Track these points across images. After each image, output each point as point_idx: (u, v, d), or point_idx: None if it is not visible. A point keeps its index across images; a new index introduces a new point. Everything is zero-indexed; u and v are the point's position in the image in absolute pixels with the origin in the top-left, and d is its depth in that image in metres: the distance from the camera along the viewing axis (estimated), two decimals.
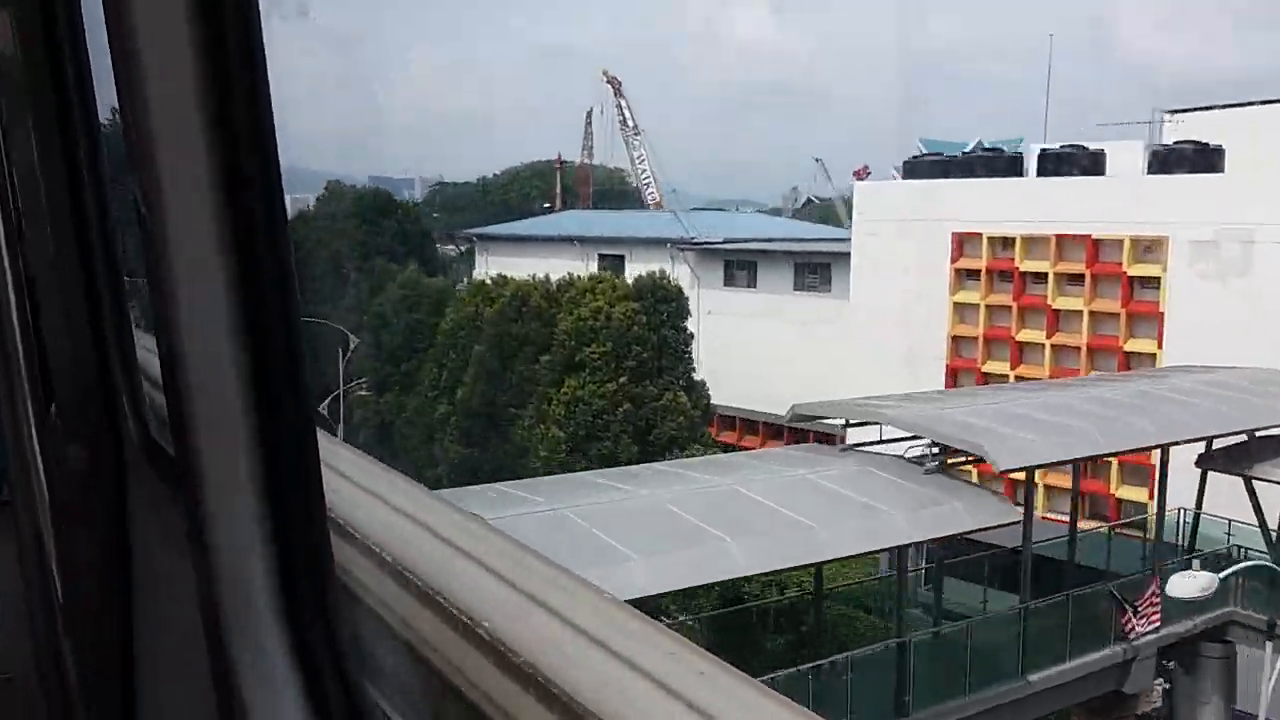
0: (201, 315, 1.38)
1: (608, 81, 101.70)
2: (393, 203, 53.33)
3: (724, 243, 48.32)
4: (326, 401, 44.17)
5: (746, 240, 49.17)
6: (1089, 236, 33.99)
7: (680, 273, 48.02)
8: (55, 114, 2.20)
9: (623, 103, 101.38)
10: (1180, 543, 25.49)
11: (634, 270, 49.86)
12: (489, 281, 41.77)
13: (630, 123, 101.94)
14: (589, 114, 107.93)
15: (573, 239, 52.94)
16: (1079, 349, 34.70)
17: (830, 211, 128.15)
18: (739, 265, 46.59)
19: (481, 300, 40.72)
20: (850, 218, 44.95)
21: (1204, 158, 34.07)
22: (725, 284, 46.82)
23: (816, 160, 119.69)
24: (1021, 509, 20.89)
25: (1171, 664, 22.97)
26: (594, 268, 52.44)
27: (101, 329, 2.24)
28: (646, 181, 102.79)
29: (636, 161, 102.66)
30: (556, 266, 52.75)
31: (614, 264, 51.74)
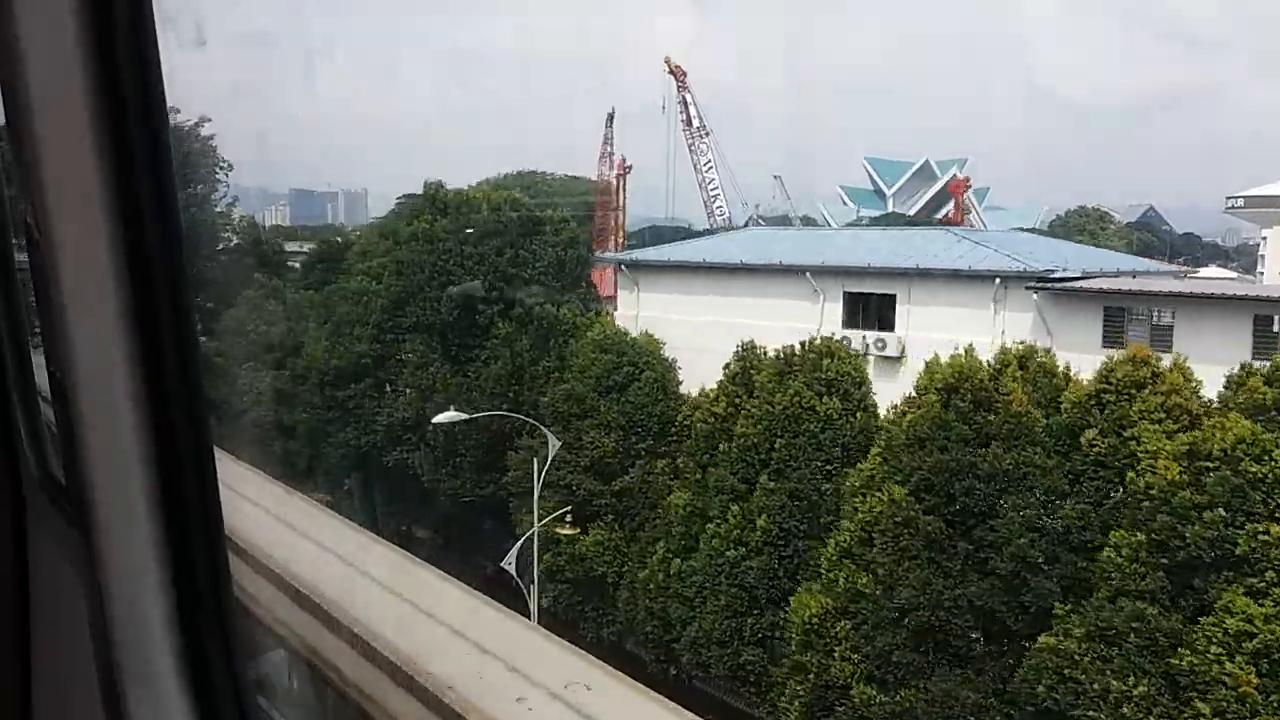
0: (92, 340, 1.36)
1: (670, 72, 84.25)
2: (539, 219, 35.12)
3: (1080, 276, 31.40)
4: (517, 546, 25.80)
5: (1097, 274, 32.35)
6: None
7: (1009, 323, 31.13)
8: None
9: (688, 97, 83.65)
10: None
11: (916, 319, 33.02)
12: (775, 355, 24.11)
13: (696, 121, 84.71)
14: (610, 116, 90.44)
15: (801, 269, 35.37)
16: None
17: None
18: (1131, 316, 29.73)
19: (778, 383, 23.20)
20: None
21: None
22: (1106, 343, 29.90)
23: (776, 177, 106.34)
24: None
25: None
26: (835, 312, 35.17)
27: (1, 365, 2.13)
28: (714, 192, 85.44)
29: (702, 168, 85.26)
30: (770, 309, 35.63)
31: (874, 307, 34.49)
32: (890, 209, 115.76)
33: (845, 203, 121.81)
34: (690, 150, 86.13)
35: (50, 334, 1.40)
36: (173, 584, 1.44)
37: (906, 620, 18.75)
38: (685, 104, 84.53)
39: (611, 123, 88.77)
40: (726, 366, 25.90)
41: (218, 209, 55.59)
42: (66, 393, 1.40)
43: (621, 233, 76.61)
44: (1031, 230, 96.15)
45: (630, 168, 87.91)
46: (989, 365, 20.02)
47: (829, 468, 22.25)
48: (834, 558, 20.22)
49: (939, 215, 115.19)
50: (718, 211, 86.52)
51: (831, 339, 24.83)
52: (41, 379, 1.98)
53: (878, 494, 19.56)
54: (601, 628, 27.25)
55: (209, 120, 54.54)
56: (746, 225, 78.28)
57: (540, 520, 26.03)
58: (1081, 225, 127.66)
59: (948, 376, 19.76)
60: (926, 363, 20.76)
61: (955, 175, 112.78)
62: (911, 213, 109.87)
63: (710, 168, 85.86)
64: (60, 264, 1.34)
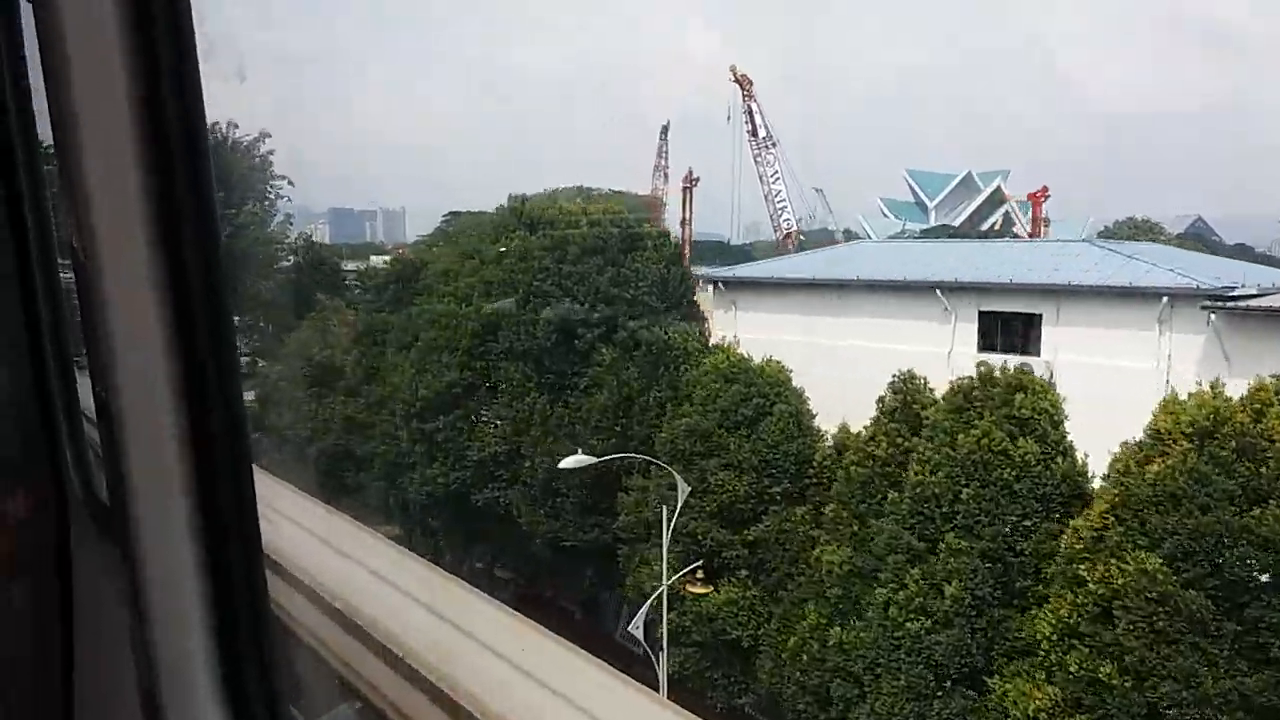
0: (137, 362, 1.39)
1: (735, 80, 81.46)
2: (639, 234, 32.09)
3: (1257, 294, 27.78)
4: (645, 608, 22.69)
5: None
6: None
7: (1175, 346, 27.74)
8: None
9: (754, 106, 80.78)
10: None
11: (1064, 342, 29.71)
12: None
13: (763, 132, 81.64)
14: (664, 129, 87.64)
15: (929, 286, 32.03)
16: None
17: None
18: None
19: (957, 421, 19.82)
20: None
21: None
22: None
23: (817, 190, 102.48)
24: None
25: None
26: (970, 333, 31.89)
27: (45, 375, 2.18)
28: (781, 204, 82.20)
29: (770, 180, 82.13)
30: (892, 331, 32.66)
31: (1014, 328, 31.11)
32: (933, 222, 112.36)
33: (886, 215, 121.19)
34: (756, 161, 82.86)
35: (96, 355, 1.44)
36: (213, 606, 1.46)
37: (1163, 718, 15.29)
38: (751, 114, 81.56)
39: (666, 135, 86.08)
40: (880, 400, 22.58)
41: (269, 227, 53.54)
42: (111, 414, 1.42)
43: (688, 248, 73.50)
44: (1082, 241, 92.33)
45: (698, 180, 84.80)
46: (1244, 404, 16.53)
47: (1026, 524, 18.86)
48: (1054, 636, 16.81)
49: (983, 227, 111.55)
50: (784, 224, 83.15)
51: (1010, 368, 21.33)
52: (86, 400, 2.00)
53: (1116, 561, 16.13)
54: (734, 696, 23.93)
55: (269, 135, 52.49)
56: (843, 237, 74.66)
57: (661, 572, 22.83)
58: (1132, 236, 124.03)
59: (1198, 418, 16.33)
60: (1164, 401, 17.30)
61: (1000, 187, 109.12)
62: (955, 224, 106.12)
63: (777, 179, 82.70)
64: (105, 285, 1.37)
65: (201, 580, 1.46)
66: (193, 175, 1.36)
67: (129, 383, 1.41)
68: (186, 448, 1.42)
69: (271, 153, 53.03)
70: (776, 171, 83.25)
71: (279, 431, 44.20)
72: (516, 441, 29.11)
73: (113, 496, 1.53)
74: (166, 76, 1.31)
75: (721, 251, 77.07)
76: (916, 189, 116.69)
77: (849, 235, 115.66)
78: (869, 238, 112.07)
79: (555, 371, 29.48)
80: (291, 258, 52.72)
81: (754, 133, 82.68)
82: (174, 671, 1.50)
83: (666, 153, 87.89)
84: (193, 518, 1.44)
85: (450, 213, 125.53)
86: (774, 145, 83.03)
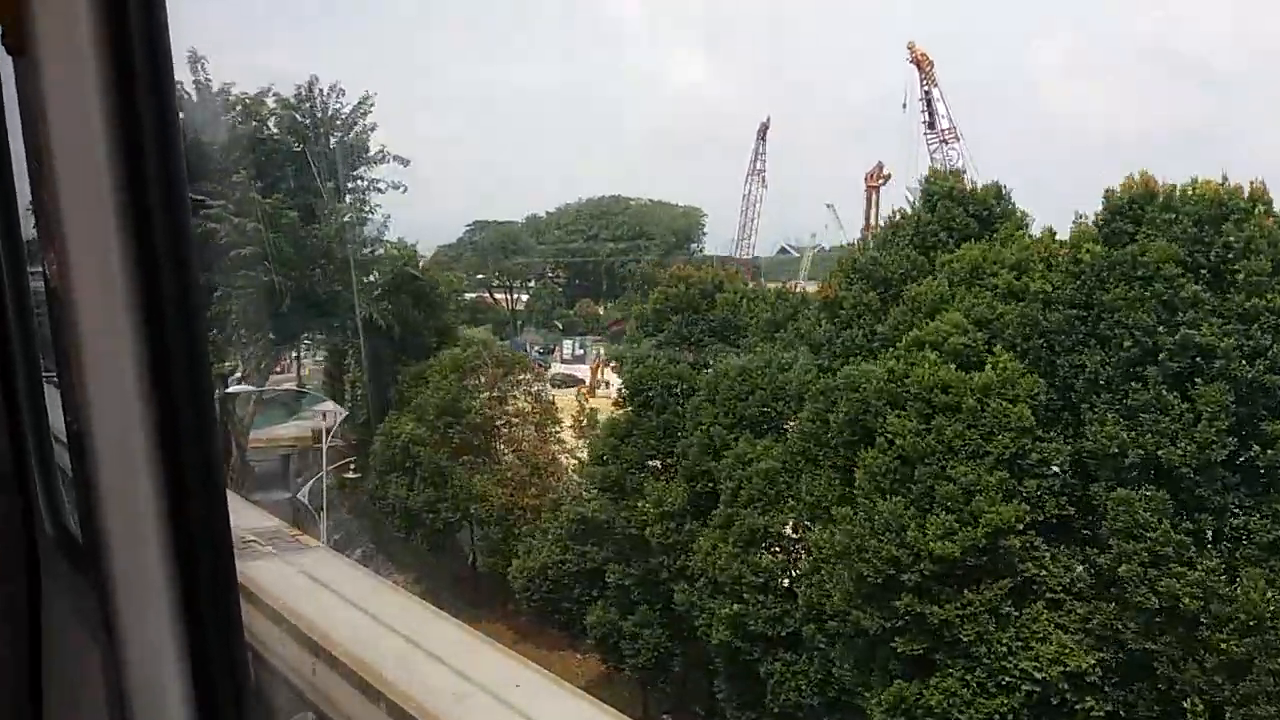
0: (111, 395, 1.38)
1: (913, 60, 71.48)
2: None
3: None
4: None
5: None
6: None
7: None
8: None
9: (934, 92, 71.12)
10: None
11: None
12: None
13: (944, 123, 71.10)
14: (763, 127, 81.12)
15: None
16: None
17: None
18: None
19: None
20: None
21: None
22: None
23: (828, 206, 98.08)
24: None
25: None
26: None
27: (17, 414, 2.16)
28: None
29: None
30: None
31: None
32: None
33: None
34: (932, 157, 70.28)
35: (69, 389, 1.42)
36: (186, 638, 1.46)
37: None
38: (929, 101, 70.65)
39: (765, 135, 78.60)
40: None
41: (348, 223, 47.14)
42: (82, 445, 1.42)
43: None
44: None
45: (888, 177, 74.47)
46: None
47: None
48: None
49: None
50: None
51: None
52: (55, 417, 2.06)
53: None
54: None
55: (372, 100, 46.58)
56: None
57: None
58: None
59: None
60: None
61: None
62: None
63: (966, 177, 71.64)
64: (79, 319, 1.37)
65: (174, 612, 1.44)
66: (167, 190, 1.34)
67: (103, 416, 1.39)
68: (159, 478, 1.41)
69: (374, 128, 47.01)
70: (962, 169, 71.74)
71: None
72: None
73: (85, 532, 1.57)
74: (141, 85, 1.31)
75: None
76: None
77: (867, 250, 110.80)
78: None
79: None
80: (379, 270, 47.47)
81: (931, 124, 71.21)
82: (146, 703, 1.48)
83: (764, 154, 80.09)
84: (165, 549, 1.42)
85: (475, 221, 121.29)
86: (959, 139, 70.51)
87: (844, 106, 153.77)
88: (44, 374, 2.18)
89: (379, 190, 47.62)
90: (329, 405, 58.71)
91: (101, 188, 1.31)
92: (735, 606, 24.79)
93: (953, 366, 21.44)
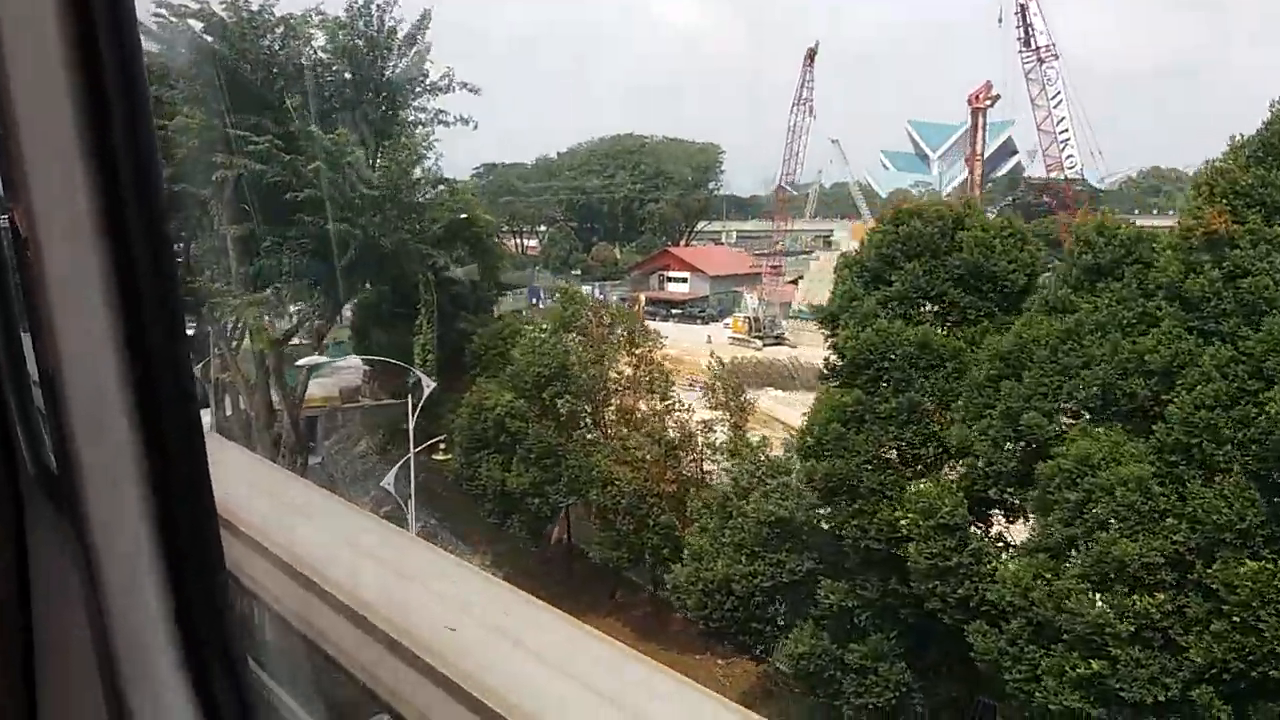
0: (80, 329, 1.39)
1: None
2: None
3: None
4: None
5: None
6: None
7: None
8: None
9: (1030, 7, 62.75)
10: None
11: None
12: None
13: (1043, 39, 63.43)
14: (810, 54, 73.45)
15: None
16: None
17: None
18: None
19: None
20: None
21: None
22: None
23: (833, 141, 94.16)
24: None
25: None
26: None
27: None
28: (1064, 137, 64.20)
29: (1050, 103, 63.85)
30: None
31: None
32: (934, 173, 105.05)
33: (887, 168, 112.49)
34: (1028, 79, 63.60)
35: (37, 324, 1.42)
36: (167, 570, 1.46)
37: None
38: (1024, 14, 62.83)
39: (812, 61, 71.88)
40: None
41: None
42: (55, 383, 1.41)
43: (979, 191, 59.17)
44: (1101, 192, 79.98)
45: (996, 98, 67.29)
46: None
47: None
48: None
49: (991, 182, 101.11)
50: (1067, 163, 64.87)
51: None
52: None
53: None
54: None
55: (427, 22, 38.56)
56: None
57: None
58: (1157, 187, 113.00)
59: None
60: None
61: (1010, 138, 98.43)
62: (960, 179, 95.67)
63: (1059, 102, 63.39)
64: (45, 252, 1.35)
65: (154, 544, 1.43)
66: (132, 123, 1.32)
67: (73, 350, 1.38)
68: (134, 412, 1.39)
69: (428, 49, 38.94)
70: (1058, 93, 63.07)
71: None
72: None
73: (61, 466, 1.53)
74: (109, 66, 1.29)
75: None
76: (918, 139, 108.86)
77: (867, 191, 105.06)
78: (877, 194, 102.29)
79: None
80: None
81: (1028, 41, 63.43)
82: (130, 634, 1.49)
83: (811, 82, 72.90)
84: (143, 483, 1.41)
85: (482, 164, 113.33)
86: (1056, 59, 62.74)
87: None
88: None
89: (444, 123, 39.77)
90: (353, 360, 52.82)
91: (65, 127, 1.27)
92: (1094, 664, 17.97)
93: None
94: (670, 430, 33.93)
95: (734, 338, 69.24)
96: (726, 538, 27.22)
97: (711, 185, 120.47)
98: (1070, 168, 64.78)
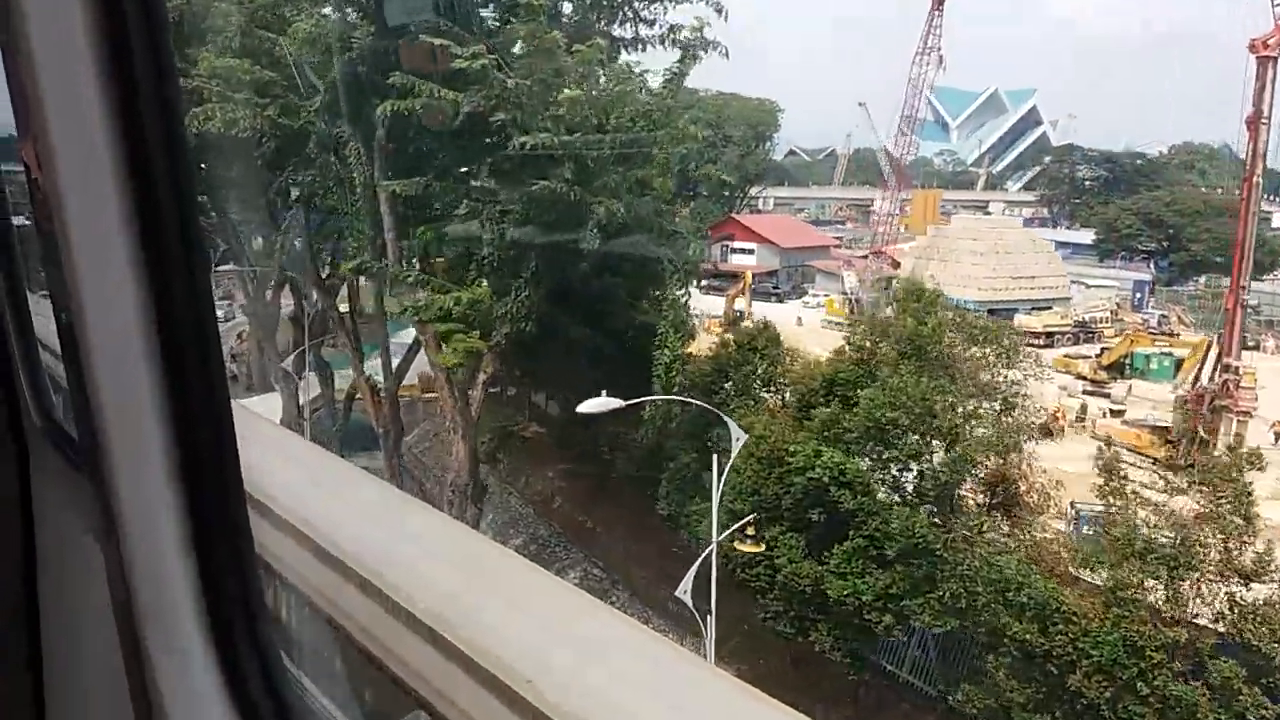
0: (103, 288, 1.34)
1: None
2: None
3: None
4: None
5: None
6: None
7: None
8: None
9: None
10: None
11: None
12: None
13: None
14: None
15: None
16: None
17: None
18: None
19: None
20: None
21: None
22: None
23: (860, 105, 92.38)
24: None
25: None
26: None
27: None
28: None
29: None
30: None
31: None
32: (954, 142, 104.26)
33: (905, 135, 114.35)
34: None
35: (58, 282, 1.38)
36: (191, 530, 1.43)
37: None
38: None
39: (941, 4, 60.90)
40: None
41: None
42: (76, 340, 1.38)
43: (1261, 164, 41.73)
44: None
45: None
46: None
47: None
48: None
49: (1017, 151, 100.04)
50: None
51: None
52: (41, 327, 2.04)
53: None
54: None
55: None
56: None
57: None
58: (1190, 163, 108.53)
59: None
60: None
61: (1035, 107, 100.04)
62: (985, 146, 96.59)
63: None
64: (66, 210, 1.32)
65: (178, 505, 1.42)
66: (156, 67, 1.27)
67: (96, 309, 1.35)
68: (158, 374, 1.36)
69: None
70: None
71: None
72: None
73: (80, 423, 1.48)
74: (134, 28, 1.25)
75: None
76: (939, 107, 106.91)
77: (890, 156, 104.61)
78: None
79: None
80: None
81: None
82: (150, 588, 1.46)
83: (939, 28, 61.27)
84: (166, 442, 1.38)
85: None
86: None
87: None
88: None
89: (679, 44, 28.00)
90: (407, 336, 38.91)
91: (84, 73, 1.24)
92: None
93: None
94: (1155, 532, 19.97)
95: (830, 321, 57.60)
96: None
97: (767, 145, 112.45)
98: None
